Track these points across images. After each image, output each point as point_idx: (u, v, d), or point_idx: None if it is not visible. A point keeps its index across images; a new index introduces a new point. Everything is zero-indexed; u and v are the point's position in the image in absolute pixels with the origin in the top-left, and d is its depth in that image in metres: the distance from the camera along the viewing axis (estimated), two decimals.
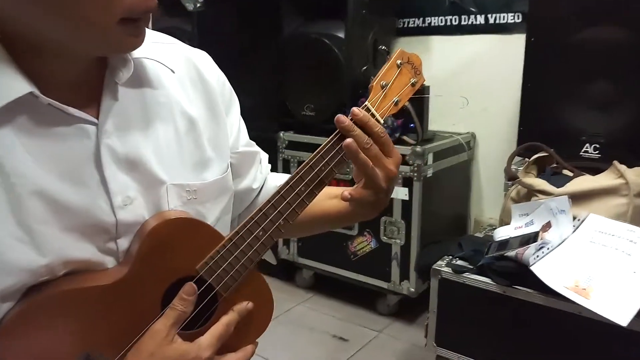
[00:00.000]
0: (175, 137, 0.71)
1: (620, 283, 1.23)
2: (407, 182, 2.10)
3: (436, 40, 2.50)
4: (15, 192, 0.56)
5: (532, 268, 1.28)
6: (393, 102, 0.75)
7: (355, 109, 0.70)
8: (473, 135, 2.47)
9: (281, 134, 2.42)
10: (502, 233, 1.59)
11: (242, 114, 0.84)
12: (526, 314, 1.39)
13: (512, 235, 1.54)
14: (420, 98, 2.18)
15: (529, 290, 1.38)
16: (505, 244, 1.51)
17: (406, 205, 2.11)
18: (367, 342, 2.16)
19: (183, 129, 0.71)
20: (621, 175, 1.45)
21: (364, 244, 2.25)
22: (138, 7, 0.55)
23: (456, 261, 1.54)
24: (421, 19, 2.51)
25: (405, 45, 2.38)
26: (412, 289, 2.17)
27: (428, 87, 2.22)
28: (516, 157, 1.81)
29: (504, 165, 2.39)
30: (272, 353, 2.03)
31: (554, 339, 1.37)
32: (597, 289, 1.23)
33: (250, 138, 0.86)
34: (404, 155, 2.07)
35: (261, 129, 2.55)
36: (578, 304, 1.21)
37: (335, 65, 2.25)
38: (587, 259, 1.30)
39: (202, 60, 0.77)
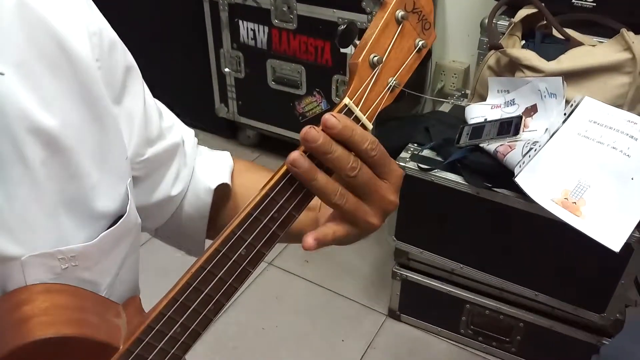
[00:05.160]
0: (26, 176, 0.41)
1: (616, 194, 1.05)
2: (362, 34, 1.74)
3: None
4: None
5: (517, 180, 1.07)
6: (388, 87, 0.47)
7: (329, 118, 0.42)
8: None
9: None
10: (475, 112, 1.35)
11: None
12: (502, 217, 1.23)
13: (489, 118, 1.30)
14: None
15: (507, 192, 1.20)
16: (480, 130, 1.28)
17: None
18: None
19: (37, 157, 0.41)
20: (628, 48, 1.17)
21: (313, 105, 1.97)
22: None
23: (422, 152, 1.31)
24: None
25: None
26: None
27: None
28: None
29: (471, 2, 2.05)
30: None
31: (532, 244, 1.24)
32: (590, 202, 1.05)
33: None
34: (360, 1, 1.69)
35: None
36: (567, 223, 1.04)
37: None
38: (580, 160, 1.10)
39: (66, 15, 0.43)
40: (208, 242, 0.61)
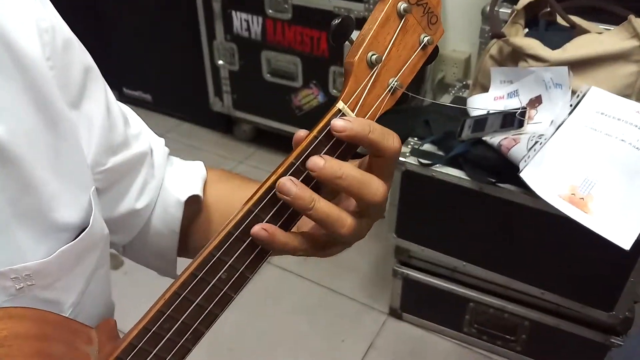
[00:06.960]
0: None
1: (626, 188, 1.01)
2: (361, 24, 1.69)
3: None
4: None
5: (522, 175, 1.03)
6: (389, 89, 0.42)
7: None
8: None
9: None
10: (477, 104, 1.30)
11: None
12: (506, 214, 1.19)
13: (491, 110, 1.25)
14: None
15: (511, 188, 1.15)
16: (482, 123, 1.23)
17: None
18: None
19: None
20: (636, 35, 1.12)
21: (310, 98, 1.91)
22: None
23: (422, 146, 1.26)
24: None
25: None
26: None
27: None
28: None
29: None
30: None
31: (537, 241, 1.19)
32: (598, 198, 1.01)
33: None
34: None
35: None
36: (574, 220, 0.99)
37: None
38: (587, 153, 1.05)
39: (11, 10, 0.38)
40: (181, 261, 0.56)
